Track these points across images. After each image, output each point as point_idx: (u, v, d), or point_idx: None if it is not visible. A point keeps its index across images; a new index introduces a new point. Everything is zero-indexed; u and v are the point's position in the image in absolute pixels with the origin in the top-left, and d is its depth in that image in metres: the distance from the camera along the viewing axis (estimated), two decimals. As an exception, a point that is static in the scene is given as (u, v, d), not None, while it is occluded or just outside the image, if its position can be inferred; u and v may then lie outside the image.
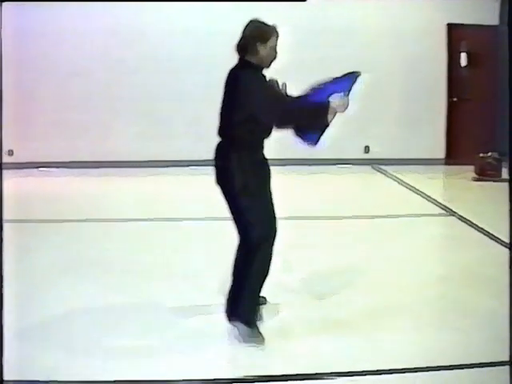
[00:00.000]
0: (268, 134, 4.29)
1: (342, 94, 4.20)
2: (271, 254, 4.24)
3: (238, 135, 4.21)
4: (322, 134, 4.31)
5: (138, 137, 10.99)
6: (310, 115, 4.27)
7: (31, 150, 10.76)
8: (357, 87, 4.32)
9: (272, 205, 4.29)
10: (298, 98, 4.39)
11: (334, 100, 4.15)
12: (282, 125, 4.30)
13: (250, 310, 4.25)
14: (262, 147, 4.33)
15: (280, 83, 4.44)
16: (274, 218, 4.28)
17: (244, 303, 4.21)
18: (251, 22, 4.27)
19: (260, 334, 4.20)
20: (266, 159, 4.35)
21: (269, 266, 4.26)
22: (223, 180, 4.28)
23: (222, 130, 4.35)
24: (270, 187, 4.33)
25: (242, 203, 4.22)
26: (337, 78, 4.38)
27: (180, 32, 10.87)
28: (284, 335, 4.33)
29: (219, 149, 4.34)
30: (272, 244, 4.24)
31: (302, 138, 4.40)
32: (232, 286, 4.36)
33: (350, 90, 4.30)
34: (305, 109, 4.28)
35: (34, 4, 10.43)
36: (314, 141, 4.34)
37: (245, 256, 4.27)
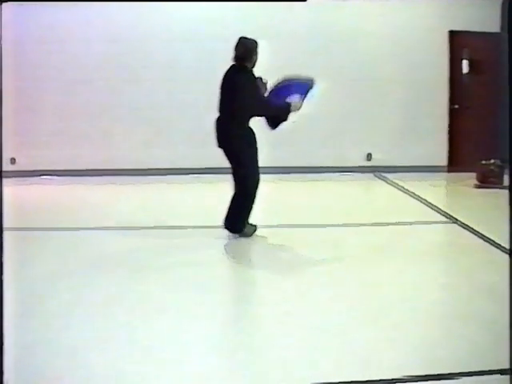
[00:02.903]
0: (253, 114, 6.51)
1: (298, 98, 6.48)
2: (256, 191, 6.61)
3: (234, 114, 6.42)
4: (280, 124, 6.74)
5: (139, 145, 11.01)
6: (276, 112, 6.66)
7: (33, 158, 10.79)
8: (312, 92, 6.49)
9: (257, 160, 6.60)
10: (269, 97, 6.57)
11: (293, 103, 6.54)
12: (258, 115, 6.59)
13: (243, 223, 6.69)
14: (249, 121, 6.54)
15: (263, 79, 6.52)
16: (258, 169, 6.64)
17: (239, 221, 6.68)
18: (242, 39, 6.48)
19: (251, 226, 6.73)
20: (252, 129, 6.55)
21: (254, 199, 6.62)
22: (225, 143, 6.55)
23: (222, 109, 6.57)
24: (256, 147, 6.57)
25: (240, 159, 6.53)
26: (297, 79, 6.64)
27: (182, 40, 10.90)
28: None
29: (220, 122, 6.58)
30: (257, 187, 6.61)
31: (267, 123, 6.74)
32: (228, 211, 6.65)
33: (305, 95, 6.54)
34: (274, 107, 6.62)
35: (35, 12, 10.48)
36: (274, 127, 6.77)
37: (238, 195, 6.62)
